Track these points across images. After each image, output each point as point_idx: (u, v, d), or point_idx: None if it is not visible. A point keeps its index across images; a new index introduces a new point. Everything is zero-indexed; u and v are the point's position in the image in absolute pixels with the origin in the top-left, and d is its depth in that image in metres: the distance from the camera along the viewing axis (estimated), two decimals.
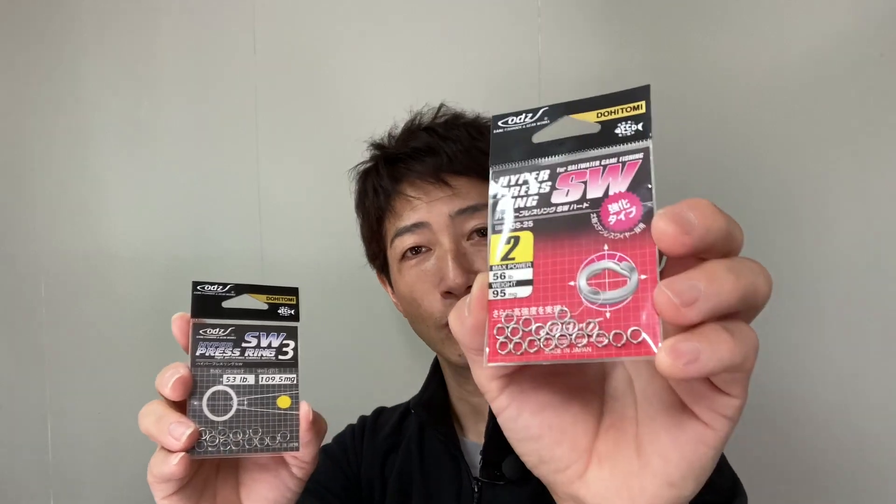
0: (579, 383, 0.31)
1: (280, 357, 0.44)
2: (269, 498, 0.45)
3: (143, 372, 1.17)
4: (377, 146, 0.72)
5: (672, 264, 0.27)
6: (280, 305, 0.45)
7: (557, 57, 0.93)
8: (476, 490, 0.64)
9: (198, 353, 0.42)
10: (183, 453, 0.38)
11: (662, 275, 0.25)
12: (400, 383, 0.82)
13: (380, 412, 0.78)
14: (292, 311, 0.45)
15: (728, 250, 0.25)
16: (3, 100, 1.26)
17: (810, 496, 0.83)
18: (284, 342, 0.44)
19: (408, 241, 0.63)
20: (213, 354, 0.42)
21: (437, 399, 0.71)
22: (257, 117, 1.09)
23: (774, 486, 0.84)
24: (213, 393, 0.41)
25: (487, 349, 0.27)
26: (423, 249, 0.64)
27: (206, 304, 0.43)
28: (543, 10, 0.93)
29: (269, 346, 0.44)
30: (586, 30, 0.91)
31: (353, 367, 1.02)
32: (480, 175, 0.64)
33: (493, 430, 0.63)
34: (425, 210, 0.63)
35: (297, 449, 0.42)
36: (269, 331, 0.44)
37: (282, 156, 1.08)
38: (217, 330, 0.42)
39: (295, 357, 0.44)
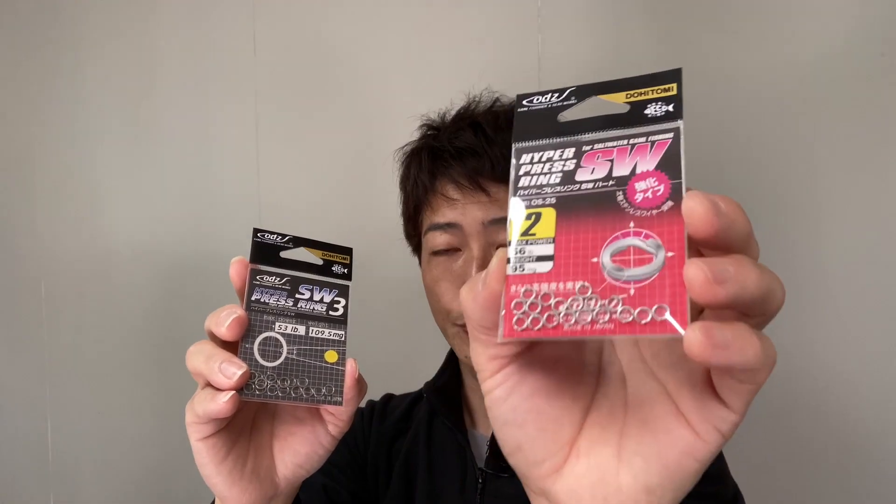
0: (574, 373, 0.30)
1: (331, 313, 0.44)
2: (300, 452, 0.45)
3: (143, 371, 1.17)
4: (428, 126, 0.70)
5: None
6: (334, 263, 0.45)
7: (557, 57, 0.93)
8: (480, 481, 0.64)
9: (253, 298, 0.42)
10: (233, 392, 0.38)
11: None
12: (396, 381, 0.82)
13: (389, 398, 0.78)
14: (345, 270, 0.46)
15: (745, 254, 0.25)
16: (4, 100, 1.26)
17: (809, 495, 0.83)
18: (336, 299, 0.44)
19: (439, 239, 0.64)
20: (267, 301, 0.42)
21: (449, 387, 0.71)
22: (257, 117, 1.09)
23: (773, 485, 0.84)
24: (265, 338, 0.41)
25: (503, 324, 0.26)
26: (453, 249, 0.64)
27: (264, 252, 0.44)
28: (543, 10, 0.93)
29: (322, 301, 0.44)
30: (586, 30, 0.91)
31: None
32: None
33: None
34: (460, 211, 0.62)
35: (340, 403, 0.42)
36: (322, 286, 0.44)
37: (282, 155, 1.08)
38: (273, 278, 0.43)
39: (345, 315, 0.44)
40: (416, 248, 0.72)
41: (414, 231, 0.70)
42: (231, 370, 0.39)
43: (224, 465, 0.41)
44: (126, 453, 1.18)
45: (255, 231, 0.43)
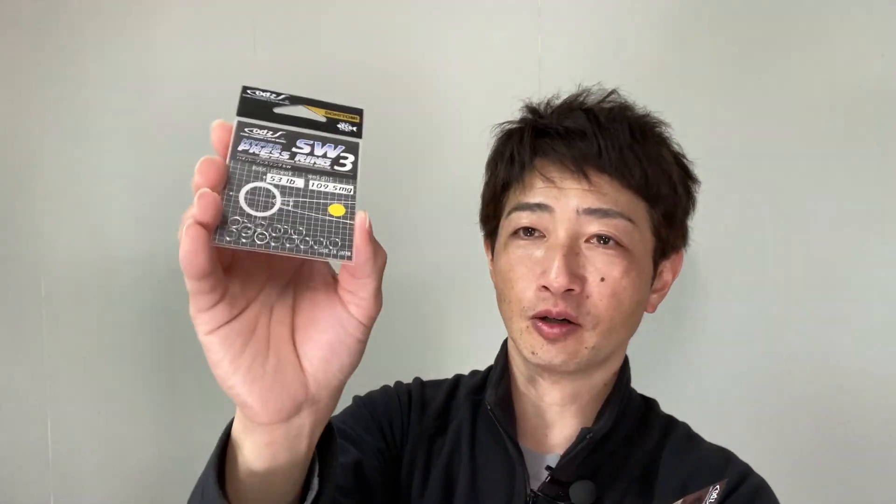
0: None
1: (336, 168, 0.36)
2: (322, 340, 0.38)
3: (143, 372, 1.17)
4: (531, 110, 0.66)
5: None
6: (340, 121, 0.38)
7: (557, 57, 0.93)
8: (530, 503, 0.60)
9: (240, 149, 0.35)
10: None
11: None
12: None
13: (422, 384, 0.72)
14: (354, 129, 0.38)
15: None
16: (4, 99, 1.25)
17: (811, 496, 0.83)
18: (343, 154, 0.37)
19: (525, 219, 0.60)
20: (257, 152, 0.35)
21: (509, 397, 0.66)
22: None
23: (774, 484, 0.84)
24: (254, 188, 0.34)
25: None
26: (537, 233, 0.60)
27: (254, 108, 0.37)
28: (543, 10, 0.93)
29: (325, 156, 0.37)
30: (586, 30, 0.92)
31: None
32: (624, 180, 0.59)
33: (576, 454, 0.59)
34: (555, 195, 0.59)
35: (349, 258, 0.34)
36: (325, 141, 0.37)
37: None
38: (265, 132, 0.36)
39: (354, 170, 0.37)
40: (491, 232, 0.67)
41: (494, 213, 0.66)
42: (195, 201, 0.31)
43: (241, 361, 0.35)
44: (126, 453, 1.18)
45: (244, 88, 0.37)
